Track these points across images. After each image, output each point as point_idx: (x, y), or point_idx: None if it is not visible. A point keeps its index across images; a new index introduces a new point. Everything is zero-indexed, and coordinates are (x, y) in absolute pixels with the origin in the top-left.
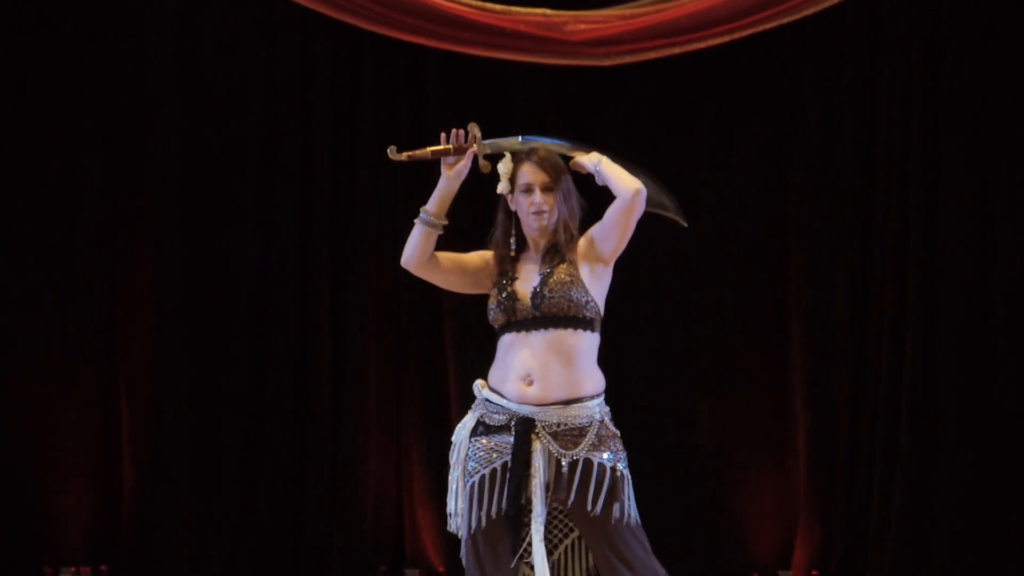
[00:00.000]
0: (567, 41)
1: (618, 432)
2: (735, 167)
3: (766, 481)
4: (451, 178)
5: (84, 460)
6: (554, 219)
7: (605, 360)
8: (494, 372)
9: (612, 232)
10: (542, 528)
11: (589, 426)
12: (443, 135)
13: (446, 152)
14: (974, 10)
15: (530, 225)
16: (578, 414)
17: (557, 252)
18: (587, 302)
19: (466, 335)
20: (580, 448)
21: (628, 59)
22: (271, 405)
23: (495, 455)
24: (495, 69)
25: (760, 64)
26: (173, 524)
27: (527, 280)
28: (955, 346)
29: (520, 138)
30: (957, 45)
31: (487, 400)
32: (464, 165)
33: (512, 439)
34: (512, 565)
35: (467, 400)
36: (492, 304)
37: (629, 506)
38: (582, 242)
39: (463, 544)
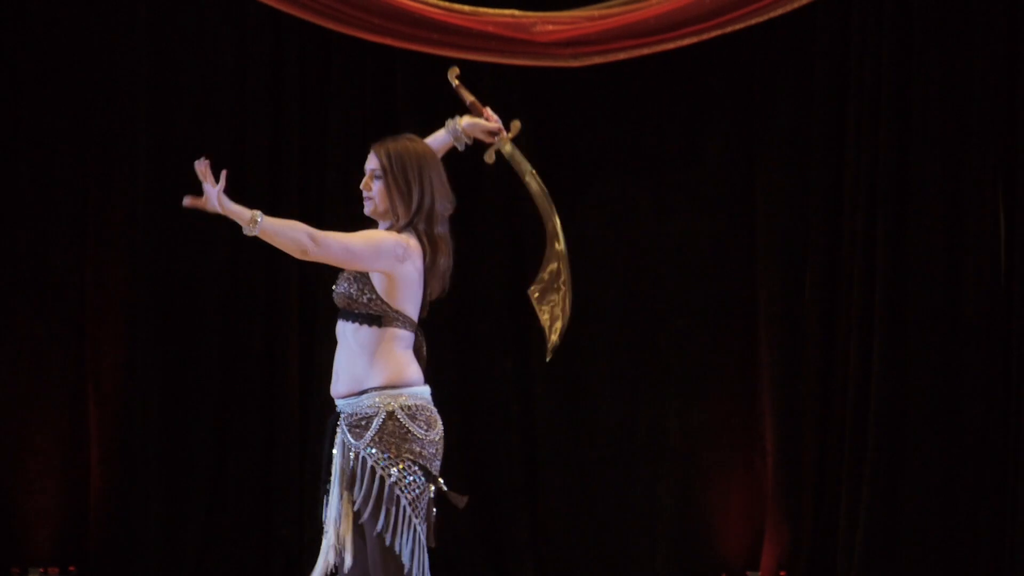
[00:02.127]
0: (535, 42)
1: (416, 432)
2: (704, 168)
3: (734, 482)
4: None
5: (52, 461)
6: (382, 207)
7: (574, 361)
8: None
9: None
10: (333, 514)
11: (374, 416)
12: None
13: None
14: (943, 11)
15: (365, 210)
16: (362, 404)
17: None
18: (370, 300)
19: (437, 329)
20: (362, 441)
21: (597, 60)
22: (240, 405)
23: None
24: (465, 70)
25: (729, 65)
26: (142, 525)
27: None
28: (923, 347)
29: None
30: (926, 45)
31: None
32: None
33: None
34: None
35: (439, 404)
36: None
37: (392, 524)
38: None
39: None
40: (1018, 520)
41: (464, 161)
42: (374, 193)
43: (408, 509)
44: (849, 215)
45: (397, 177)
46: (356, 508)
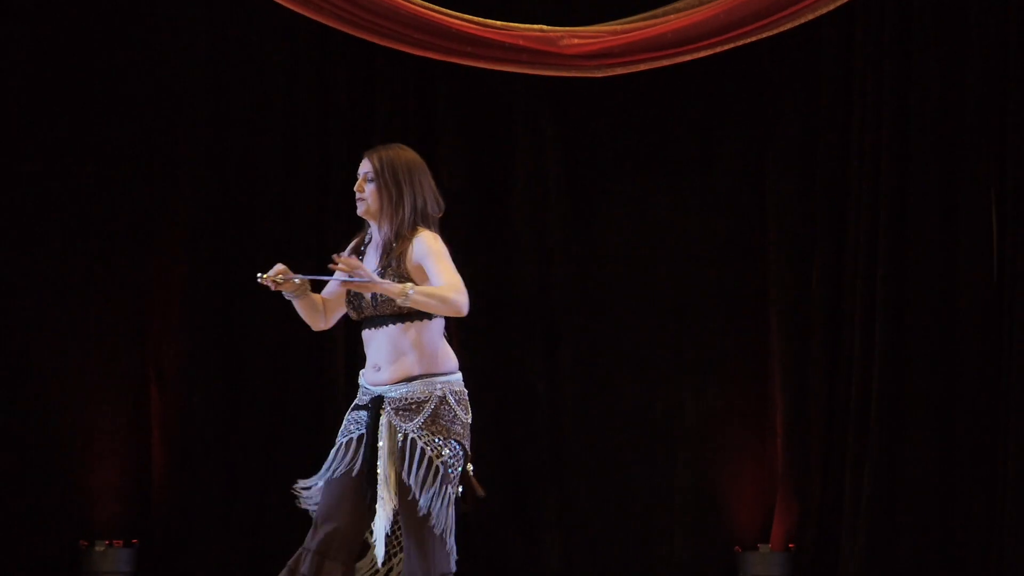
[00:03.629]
0: (562, 55)
1: (461, 415)
2: (718, 170)
3: (746, 461)
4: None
5: (117, 441)
6: (374, 207)
7: (597, 349)
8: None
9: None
10: (387, 491)
11: (427, 401)
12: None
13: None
14: (939, 30)
15: (358, 210)
16: (413, 390)
17: (390, 254)
18: None
19: (470, 318)
20: (412, 424)
21: (619, 71)
22: (292, 388)
23: (358, 426)
24: (497, 80)
25: (742, 76)
26: (200, 500)
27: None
28: (921, 336)
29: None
30: (923, 60)
31: (360, 385)
32: (293, 289)
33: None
34: (347, 530)
35: (471, 386)
36: (345, 300)
37: (439, 498)
38: (416, 250)
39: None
40: (1008, 497)
41: (494, 169)
42: (367, 195)
43: (450, 487)
44: (853, 215)
45: (388, 181)
46: (409, 484)
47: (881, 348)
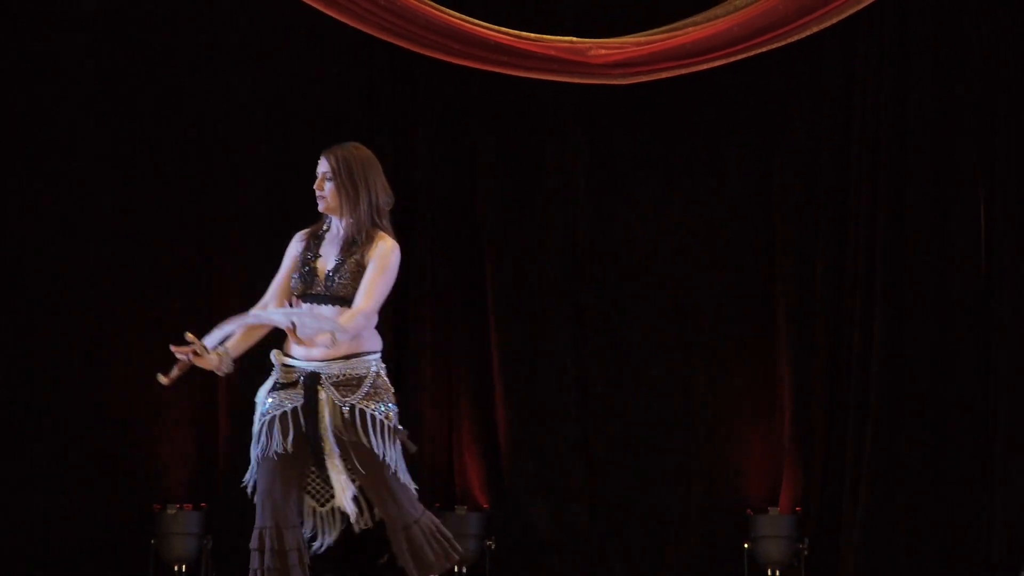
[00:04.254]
0: (589, 63)
1: (388, 383)
2: (729, 174)
3: (756, 434)
4: (221, 370)
5: (187, 413)
6: (334, 204)
7: (620, 333)
8: (288, 340)
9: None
10: (337, 459)
11: (365, 377)
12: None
13: (185, 366)
14: (934, 42)
15: (319, 206)
16: (354, 367)
17: (354, 246)
18: None
19: (507, 307)
20: (356, 396)
21: (642, 79)
22: None
23: (286, 402)
24: (529, 87)
25: (750, 85)
26: None
27: (327, 261)
28: (917, 322)
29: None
30: (920, 71)
31: (282, 365)
32: (211, 364)
33: (300, 392)
34: (292, 502)
35: (509, 364)
36: (295, 273)
37: (393, 451)
38: (375, 252)
39: (251, 469)
40: (996, 467)
41: (525, 170)
42: (326, 192)
43: (397, 439)
44: (854, 212)
45: (345, 179)
46: (370, 445)
47: (880, 330)
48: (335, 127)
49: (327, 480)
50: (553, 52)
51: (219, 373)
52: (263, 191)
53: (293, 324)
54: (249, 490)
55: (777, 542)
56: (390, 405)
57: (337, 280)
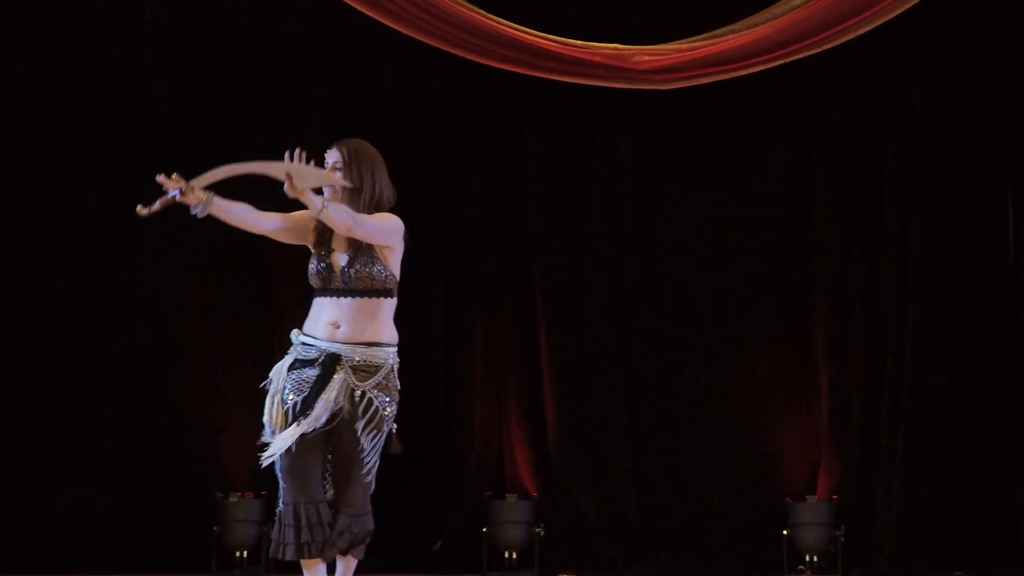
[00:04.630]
0: (634, 69)
1: (398, 382)
2: (769, 171)
3: (795, 424)
4: (198, 210)
5: (247, 407)
6: (341, 193)
7: (664, 326)
8: (308, 322)
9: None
10: (309, 424)
11: (382, 367)
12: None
13: (168, 202)
14: (963, 42)
15: (326, 194)
16: (375, 354)
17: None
18: (386, 276)
19: (555, 304)
20: (369, 383)
21: (684, 84)
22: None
23: (306, 385)
24: (576, 93)
25: (787, 88)
26: None
27: (339, 256)
28: (947, 316)
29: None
30: (948, 75)
31: (302, 343)
32: (192, 202)
33: (319, 370)
34: (319, 478)
35: (556, 359)
36: (311, 270)
37: (376, 443)
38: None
39: (278, 455)
40: (1018, 454)
41: (571, 161)
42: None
43: (383, 437)
44: (887, 212)
45: (353, 170)
46: (357, 429)
47: (912, 327)
48: (391, 129)
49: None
50: (599, 58)
51: (196, 214)
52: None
53: (290, 174)
54: (277, 468)
55: (815, 529)
56: (393, 406)
57: (353, 275)
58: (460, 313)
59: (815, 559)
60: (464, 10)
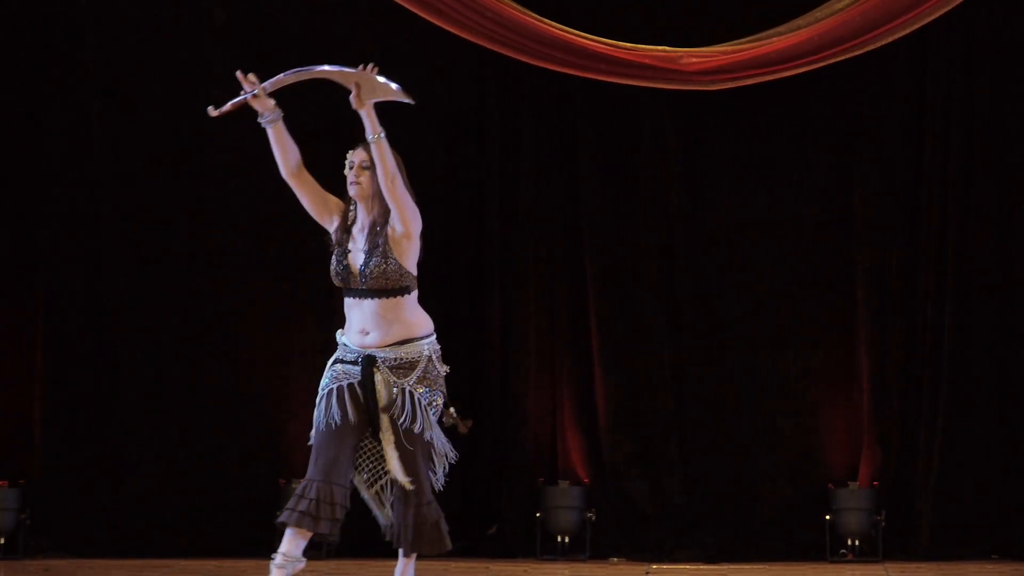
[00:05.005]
0: (682, 71)
1: (441, 370)
2: (811, 169)
3: (838, 413)
4: (266, 118)
5: (306, 396)
6: (368, 192)
7: (712, 317)
8: (346, 325)
9: (392, 207)
10: (391, 435)
11: (418, 361)
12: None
13: (239, 104)
14: (999, 43)
15: (350, 192)
16: (408, 351)
17: (376, 232)
18: (401, 274)
19: (606, 295)
20: (408, 380)
21: (730, 85)
22: (453, 358)
23: (344, 377)
24: (626, 93)
25: (831, 89)
26: None
27: (356, 256)
28: (983, 308)
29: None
30: (984, 77)
31: (343, 344)
32: (261, 108)
33: (359, 369)
34: (346, 464)
35: (607, 348)
36: (332, 270)
37: (433, 433)
38: (390, 220)
39: (313, 435)
40: None
41: (624, 168)
42: (363, 180)
43: (435, 424)
44: (926, 208)
45: (378, 169)
46: (405, 427)
47: (951, 316)
48: (449, 128)
49: (378, 456)
50: (648, 60)
51: (262, 121)
52: None
53: (359, 83)
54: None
55: (856, 514)
56: (437, 393)
57: (369, 276)
58: (515, 306)
59: (857, 543)
60: (521, 15)
